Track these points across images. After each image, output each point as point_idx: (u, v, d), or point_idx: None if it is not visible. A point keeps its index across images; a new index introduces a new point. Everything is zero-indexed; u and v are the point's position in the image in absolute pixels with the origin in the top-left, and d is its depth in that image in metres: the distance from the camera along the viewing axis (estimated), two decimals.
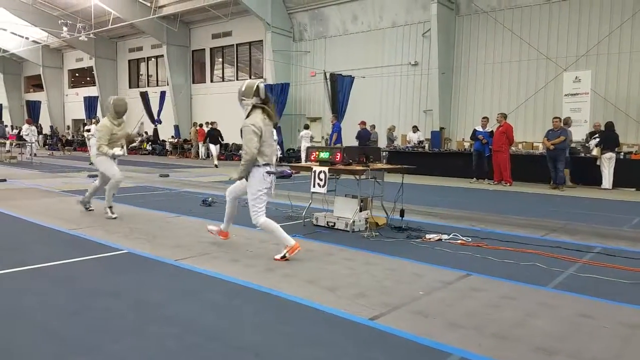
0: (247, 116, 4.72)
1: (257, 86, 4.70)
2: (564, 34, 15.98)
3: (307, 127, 20.03)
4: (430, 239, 5.81)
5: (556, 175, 12.36)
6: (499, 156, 13.08)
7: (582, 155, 13.27)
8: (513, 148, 14.02)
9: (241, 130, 4.65)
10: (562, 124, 12.53)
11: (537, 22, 16.48)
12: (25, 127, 19.35)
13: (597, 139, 12.64)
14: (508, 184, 12.90)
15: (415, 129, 18.17)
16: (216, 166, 18.30)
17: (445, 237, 5.86)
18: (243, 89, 4.75)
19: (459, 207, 8.68)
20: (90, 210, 7.45)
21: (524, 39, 16.55)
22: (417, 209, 8.07)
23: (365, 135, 17.41)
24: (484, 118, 13.98)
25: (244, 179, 4.85)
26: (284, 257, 4.69)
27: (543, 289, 4.03)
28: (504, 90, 17.36)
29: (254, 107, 4.74)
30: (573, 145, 13.26)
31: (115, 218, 6.85)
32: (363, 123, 17.73)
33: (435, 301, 3.65)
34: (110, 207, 6.99)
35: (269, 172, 4.75)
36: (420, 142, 17.63)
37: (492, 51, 17.47)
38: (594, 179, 12.68)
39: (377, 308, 3.47)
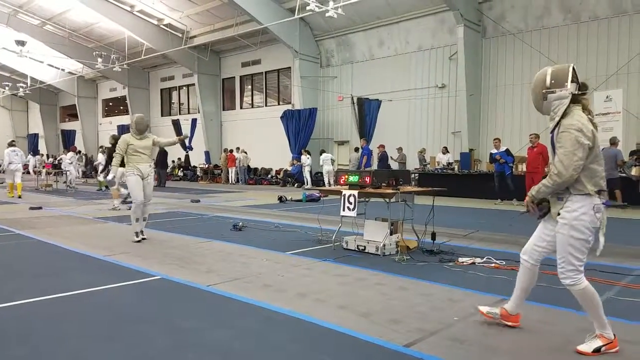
0: (563, 116, 3.18)
1: (574, 68, 3.22)
2: (593, 53, 15.76)
3: (323, 151, 21.06)
4: (463, 262, 5.71)
5: None
6: (534, 177, 12.79)
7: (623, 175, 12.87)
8: (545, 169, 13.78)
9: (554, 139, 3.21)
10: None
11: (565, 42, 16.32)
12: (70, 155, 19.70)
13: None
14: None
15: (445, 150, 18.10)
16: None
17: (478, 260, 5.76)
18: (548, 77, 3.22)
19: (491, 230, 8.53)
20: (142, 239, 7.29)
21: (552, 59, 16.35)
22: (448, 231, 7.97)
23: (384, 158, 17.90)
24: (495, 139, 14.16)
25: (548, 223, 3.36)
26: (597, 350, 3.07)
27: (581, 313, 3.88)
28: (532, 111, 16.95)
29: (574, 101, 3.20)
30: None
31: (139, 241, 7.11)
32: (382, 146, 18.09)
33: (471, 327, 3.58)
34: (136, 232, 7.23)
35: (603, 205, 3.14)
36: (450, 163, 17.51)
37: (520, 72, 17.34)
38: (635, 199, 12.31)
39: (413, 334, 3.42)
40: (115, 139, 13.07)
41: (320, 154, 20.52)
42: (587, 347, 3.08)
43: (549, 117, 3.27)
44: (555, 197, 3.21)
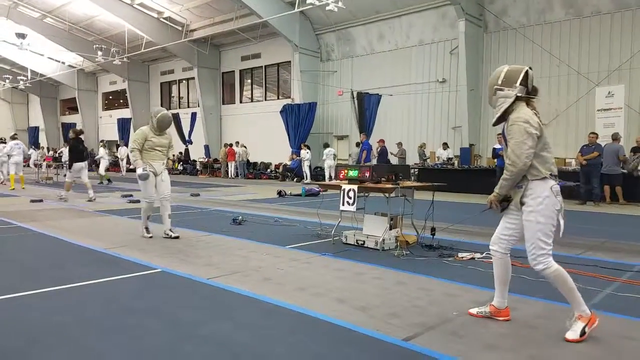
0: (508, 112, 3.42)
1: (527, 72, 3.44)
2: (595, 49, 15.72)
3: (327, 145, 20.73)
4: (462, 257, 5.72)
5: (591, 192, 12.07)
6: None
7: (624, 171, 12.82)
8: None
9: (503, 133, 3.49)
10: (596, 140, 12.30)
11: (567, 38, 16.27)
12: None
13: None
14: None
15: (445, 145, 18.09)
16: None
17: (478, 255, 5.76)
18: (502, 76, 3.45)
19: (491, 225, 8.52)
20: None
21: (553, 54, 16.34)
22: (448, 226, 7.97)
23: (384, 153, 17.89)
24: (498, 134, 13.95)
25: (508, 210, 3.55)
26: (583, 333, 3.20)
27: None
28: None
29: (517, 100, 3.40)
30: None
31: (150, 237, 6.98)
32: (382, 141, 18.08)
33: (469, 322, 3.59)
34: (146, 228, 7.11)
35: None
36: (450, 159, 17.50)
37: None
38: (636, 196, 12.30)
39: (411, 328, 3.43)
40: (76, 133, 12.94)
41: (324, 148, 20.39)
42: (573, 333, 3.19)
43: (494, 110, 3.51)
44: (515, 186, 3.38)
